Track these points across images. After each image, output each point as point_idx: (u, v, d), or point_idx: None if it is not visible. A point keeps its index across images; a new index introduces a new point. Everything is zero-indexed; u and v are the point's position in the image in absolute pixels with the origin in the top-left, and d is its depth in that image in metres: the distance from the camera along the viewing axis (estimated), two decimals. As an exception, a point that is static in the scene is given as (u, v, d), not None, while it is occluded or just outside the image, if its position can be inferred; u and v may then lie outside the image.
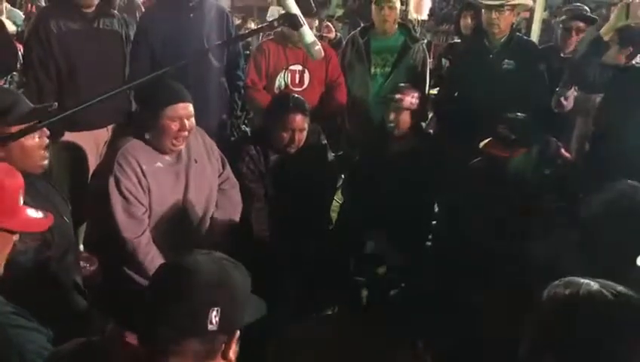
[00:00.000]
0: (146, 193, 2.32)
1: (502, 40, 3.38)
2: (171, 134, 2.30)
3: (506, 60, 3.35)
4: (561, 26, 3.72)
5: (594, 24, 3.76)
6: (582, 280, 1.16)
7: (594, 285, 1.14)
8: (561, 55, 3.62)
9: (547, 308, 1.17)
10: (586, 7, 3.90)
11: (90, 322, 1.90)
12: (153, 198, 2.34)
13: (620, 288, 1.14)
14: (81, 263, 2.07)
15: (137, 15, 3.40)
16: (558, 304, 1.15)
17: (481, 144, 2.69)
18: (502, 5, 3.28)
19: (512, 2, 3.31)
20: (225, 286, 1.19)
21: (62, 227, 1.86)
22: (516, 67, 3.33)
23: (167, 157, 2.40)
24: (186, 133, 2.33)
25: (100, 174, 2.37)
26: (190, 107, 2.33)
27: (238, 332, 1.22)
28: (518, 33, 3.73)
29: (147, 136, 2.32)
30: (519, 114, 2.68)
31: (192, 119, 2.35)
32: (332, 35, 4.67)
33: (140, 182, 2.29)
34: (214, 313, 1.15)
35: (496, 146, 2.63)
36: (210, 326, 1.15)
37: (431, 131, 4.05)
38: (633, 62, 3.58)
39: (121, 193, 2.26)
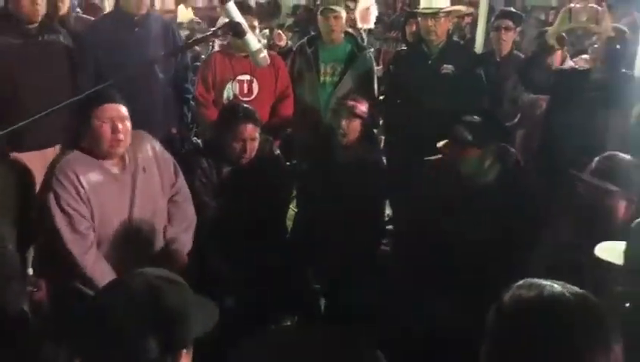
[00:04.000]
0: (87, 206, 2.25)
1: (439, 46, 3.51)
2: (106, 137, 2.23)
3: (445, 65, 3.47)
4: (492, 26, 3.86)
5: (521, 22, 3.93)
6: (544, 282, 1.17)
7: (557, 287, 1.15)
8: (497, 59, 3.75)
9: (511, 310, 1.16)
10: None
11: (37, 350, 1.84)
12: (96, 211, 2.27)
13: (580, 290, 1.16)
14: (28, 288, 2.01)
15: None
16: (523, 306, 1.15)
17: (439, 145, 2.72)
18: (437, 13, 3.42)
19: (446, 9, 3.47)
20: (159, 309, 1.15)
21: (2, 256, 1.79)
22: (454, 71, 3.46)
23: (110, 168, 2.33)
24: (121, 135, 2.26)
25: (41, 192, 2.29)
26: (122, 109, 2.26)
27: (185, 350, 1.18)
28: (455, 39, 3.86)
29: (83, 144, 2.26)
30: (476, 116, 2.71)
31: (127, 123, 2.28)
32: (282, 43, 4.70)
33: (79, 195, 2.22)
34: (151, 339, 1.12)
35: (453, 147, 2.64)
36: (149, 354, 1.12)
37: (382, 138, 4.12)
38: (574, 64, 3.76)
39: (61, 209, 2.19)
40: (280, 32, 5.13)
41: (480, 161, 2.62)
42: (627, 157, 2.21)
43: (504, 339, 1.16)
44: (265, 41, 4.81)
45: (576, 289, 1.16)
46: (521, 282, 1.20)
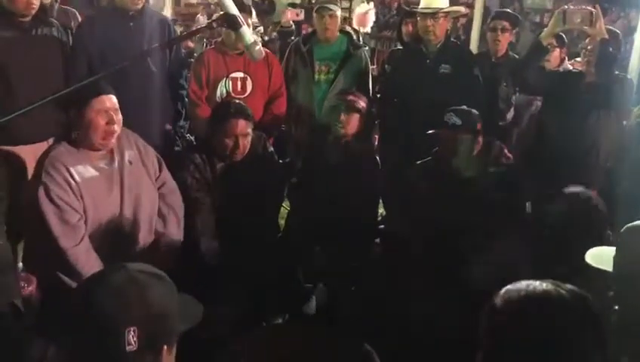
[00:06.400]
0: (79, 198, 2.24)
1: (438, 46, 3.52)
2: (100, 129, 2.25)
3: (443, 65, 3.48)
4: (489, 27, 3.88)
5: (518, 24, 3.96)
6: (534, 281, 1.17)
7: (547, 285, 1.15)
8: (492, 60, 3.76)
9: (503, 310, 1.16)
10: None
11: (29, 345, 1.83)
12: (87, 203, 2.27)
13: (569, 286, 1.16)
14: (20, 283, 2.00)
15: (73, 24, 3.31)
16: (516, 306, 1.15)
17: (429, 132, 2.80)
18: (436, 13, 3.43)
19: (446, 10, 3.48)
20: (139, 302, 1.14)
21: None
22: (452, 71, 3.46)
23: (98, 161, 2.33)
24: (115, 126, 2.28)
25: (30, 186, 2.28)
26: (115, 100, 2.29)
27: (166, 346, 1.17)
28: (452, 39, 3.87)
29: (74, 136, 2.26)
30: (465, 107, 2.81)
31: (119, 114, 2.30)
32: (300, 17, 4.74)
33: (71, 188, 2.22)
34: (131, 333, 1.11)
35: (445, 132, 2.75)
36: (129, 347, 1.11)
37: (377, 136, 4.12)
38: (569, 66, 3.79)
39: (52, 201, 2.18)
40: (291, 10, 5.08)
41: (469, 146, 2.73)
42: None
43: (499, 341, 1.15)
44: (259, 38, 4.79)
45: (568, 286, 1.16)
46: (510, 285, 1.20)
